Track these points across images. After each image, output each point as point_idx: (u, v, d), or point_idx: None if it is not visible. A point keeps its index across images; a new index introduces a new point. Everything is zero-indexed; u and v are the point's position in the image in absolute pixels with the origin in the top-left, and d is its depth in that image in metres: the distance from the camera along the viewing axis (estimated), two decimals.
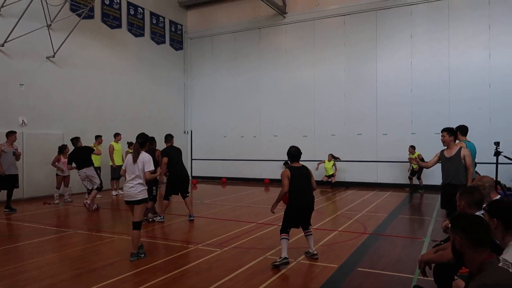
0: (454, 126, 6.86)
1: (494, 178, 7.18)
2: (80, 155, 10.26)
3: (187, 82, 19.36)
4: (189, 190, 9.13)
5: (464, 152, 6.04)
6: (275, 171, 16.46)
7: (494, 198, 4.20)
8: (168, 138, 8.77)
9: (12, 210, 9.78)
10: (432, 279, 3.82)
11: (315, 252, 5.71)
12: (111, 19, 15.20)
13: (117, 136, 13.46)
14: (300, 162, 5.76)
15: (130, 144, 13.85)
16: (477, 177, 6.60)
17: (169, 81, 18.29)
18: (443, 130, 6.27)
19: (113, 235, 7.29)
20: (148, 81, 16.93)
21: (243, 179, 17.67)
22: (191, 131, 19.30)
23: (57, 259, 5.87)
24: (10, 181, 9.83)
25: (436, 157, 6.43)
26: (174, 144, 8.85)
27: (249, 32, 17.88)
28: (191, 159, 19.18)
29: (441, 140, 6.29)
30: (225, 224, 8.24)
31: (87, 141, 12.77)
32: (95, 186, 10.13)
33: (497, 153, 8.46)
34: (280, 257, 5.35)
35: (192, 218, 8.58)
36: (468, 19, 13.85)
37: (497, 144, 8.58)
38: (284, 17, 17.00)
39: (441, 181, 6.43)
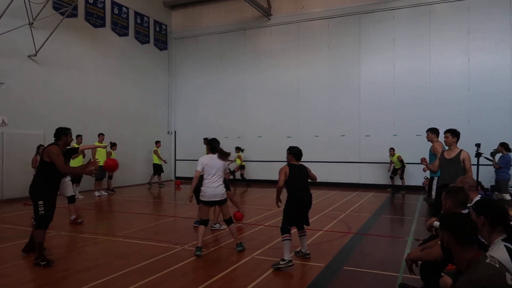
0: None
1: (476, 179, 7.38)
2: None
3: (171, 82, 19.24)
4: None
5: (464, 155, 6.00)
6: (258, 171, 16.51)
7: (475, 198, 4.34)
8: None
9: None
10: (419, 276, 3.92)
11: (307, 252, 5.76)
12: (95, 18, 14.99)
13: (100, 136, 13.28)
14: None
15: (113, 144, 13.81)
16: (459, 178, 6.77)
17: (153, 81, 18.14)
18: (447, 131, 6.17)
19: (97, 236, 7.20)
20: (131, 81, 16.76)
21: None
22: (175, 131, 19.19)
23: None
24: None
25: (438, 159, 6.39)
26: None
27: (234, 33, 17.90)
28: (175, 160, 19.07)
29: (444, 141, 6.28)
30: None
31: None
32: None
33: (478, 155, 8.70)
34: (284, 260, 5.25)
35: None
36: (448, 24, 14.23)
37: (478, 145, 8.81)
38: (269, 19, 17.09)
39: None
